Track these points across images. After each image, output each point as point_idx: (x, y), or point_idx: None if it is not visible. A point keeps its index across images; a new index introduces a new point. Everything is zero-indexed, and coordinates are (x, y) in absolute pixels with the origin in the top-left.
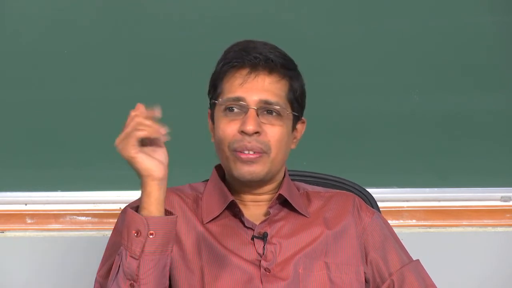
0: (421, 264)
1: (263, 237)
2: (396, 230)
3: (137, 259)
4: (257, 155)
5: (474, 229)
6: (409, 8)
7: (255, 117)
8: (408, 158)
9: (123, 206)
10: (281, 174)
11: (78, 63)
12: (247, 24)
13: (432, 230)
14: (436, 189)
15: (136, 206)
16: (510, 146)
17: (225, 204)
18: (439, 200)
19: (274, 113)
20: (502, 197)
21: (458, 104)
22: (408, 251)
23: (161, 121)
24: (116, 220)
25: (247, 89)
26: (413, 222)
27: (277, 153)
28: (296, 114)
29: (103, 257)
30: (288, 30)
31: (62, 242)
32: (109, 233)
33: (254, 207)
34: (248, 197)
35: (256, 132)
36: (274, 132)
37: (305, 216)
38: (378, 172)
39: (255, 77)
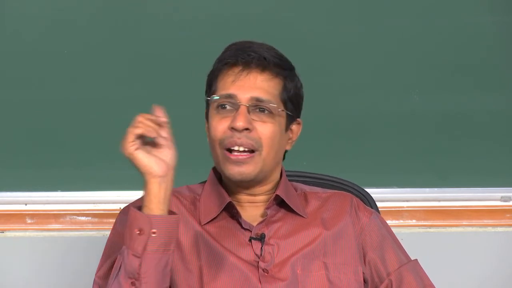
0: (419, 264)
1: (261, 238)
2: (396, 230)
3: (139, 257)
4: (248, 156)
5: (474, 229)
6: (409, 8)
7: (245, 114)
8: (408, 158)
9: (123, 206)
10: (277, 175)
11: (78, 63)
12: (247, 24)
13: (432, 230)
14: (436, 189)
15: (138, 206)
16: (510, 146)
17: (222, 205)
18: (439, 200)
19: (266, 111)
20: (502, 197)
21: (458, 104)
22: (406, 251)
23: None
24: (114, 221)
25: (239, 87)
26: (413, 222)
27: (269, 151)
28: (289, 113)
29: (101, 258)
30: (288, 29)
31: (62, 242)
32: (108, 233)
33: (251, 208)
34: (244, 198)
35: (247, 129)
36: (265, 129)
37: (302, 216)
38: (378, 172)
39: (247, 74)
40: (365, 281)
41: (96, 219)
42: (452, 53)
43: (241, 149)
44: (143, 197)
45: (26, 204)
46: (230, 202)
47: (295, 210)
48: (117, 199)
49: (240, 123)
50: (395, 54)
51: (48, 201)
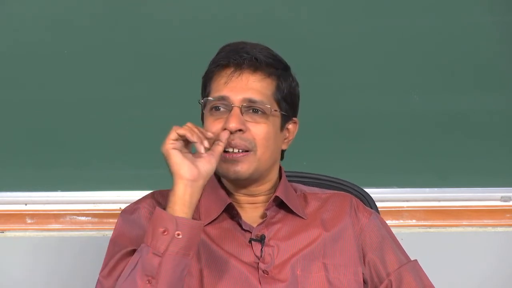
0: (419, 264)
1: (261, 239)
2: (396, 230)
3: (160, 256)
4: (242, 154)
5: (474, 229)
6: (409, 8)
7: (238, 115)
8: (408, 158)
9: (123, 206)
10: (274, 175)
11: (78, 63)
12: (247, 24)
13: (432, 230)
14: (436, 189)
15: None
16: (510, 146)
17: (222, 206)
18: (439, 200)
19: (259, 112)
20: (502, 197)
21: (458, 104)
22: (406, 251)
23: (161, 121)
24: (116, 221)
25: (231, 88)
26: (413, 222)
27: (264, 151)
28: (284, 113)
29: (105, 258)
30: (288, 29)
31: (62, 242)
32: (109, 233)
33: (251, 209)
34: (243, 199)
35: (240, 130)
36: (258, 130)
37: (302, 218)
38: (378, 172)
39: (239, 75)
40: (364, 281)
41: (96, 219)
42: (452, 53)
43: (236, 150)
44: (168, 197)
45: (26, 204)
46: (230, 203)
47: (294, 211)
48: (117, 199)
49: (233, 125)
50: (395, 54)
51: (48, 201)
